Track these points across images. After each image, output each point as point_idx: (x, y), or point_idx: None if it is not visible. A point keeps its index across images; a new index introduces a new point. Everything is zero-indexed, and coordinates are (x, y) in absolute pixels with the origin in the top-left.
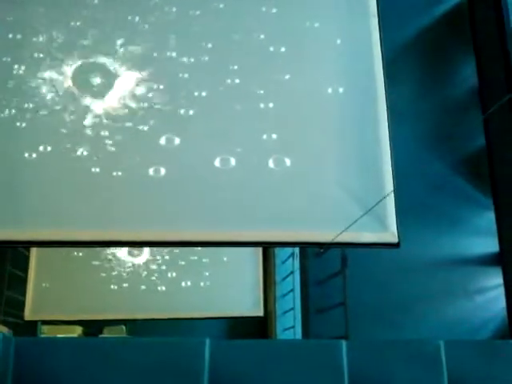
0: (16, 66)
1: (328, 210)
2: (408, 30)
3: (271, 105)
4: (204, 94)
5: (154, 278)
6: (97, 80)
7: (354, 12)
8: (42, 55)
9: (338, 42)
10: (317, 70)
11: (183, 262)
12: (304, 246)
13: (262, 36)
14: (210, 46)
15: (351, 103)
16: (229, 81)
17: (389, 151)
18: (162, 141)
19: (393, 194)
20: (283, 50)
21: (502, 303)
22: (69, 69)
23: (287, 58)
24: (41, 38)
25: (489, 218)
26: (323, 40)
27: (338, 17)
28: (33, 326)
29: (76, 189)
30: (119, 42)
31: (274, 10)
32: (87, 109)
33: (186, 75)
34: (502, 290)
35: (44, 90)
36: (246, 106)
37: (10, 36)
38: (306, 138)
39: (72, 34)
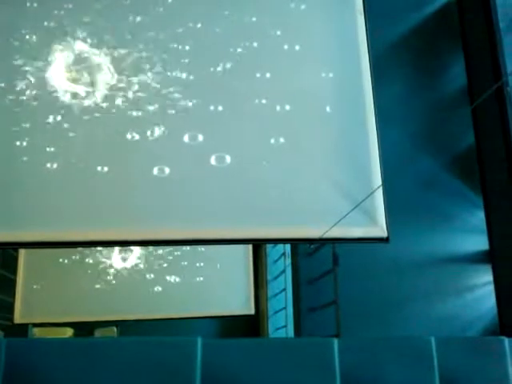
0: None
1: (317, 207)
2: (398, 29)
3: (264, 101)
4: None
5: (145, 278)
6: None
7: (341, 8)
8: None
9: (328, 40)
10: (312, 68)
11: (174, 262)
12: (294, 243)
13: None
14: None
15: (340, 100)
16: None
17: (377, 146)
18: (156, 138)
19: (381, 189)
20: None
21: (493, 301)
22: (58, 62)
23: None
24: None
25: (480, 215)
26: (318, 37)
27: (330, 14)
28: (23, 328)
29: (63, 188)
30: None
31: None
32: (74, 107)
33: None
34: (492, 288)
35: (34, 87)
36: (244, 104)
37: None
38: (296, 136)
39: (64, 24)
